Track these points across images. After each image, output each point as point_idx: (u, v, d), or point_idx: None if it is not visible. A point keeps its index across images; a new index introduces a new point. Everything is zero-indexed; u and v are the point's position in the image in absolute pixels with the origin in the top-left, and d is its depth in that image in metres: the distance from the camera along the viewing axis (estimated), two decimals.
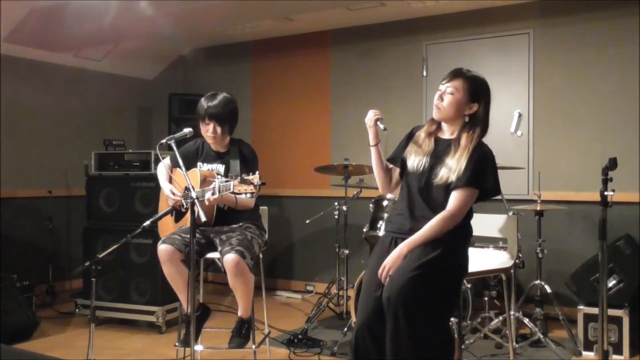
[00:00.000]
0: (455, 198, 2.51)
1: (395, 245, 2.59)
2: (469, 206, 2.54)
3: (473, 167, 2.50)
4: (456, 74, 2.59)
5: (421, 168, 2.58)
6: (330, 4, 4.90)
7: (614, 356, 3.73)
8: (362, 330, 2.51)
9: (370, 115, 2.66)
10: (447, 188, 2.52)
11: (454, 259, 2.55)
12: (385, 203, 4.13)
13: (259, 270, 3.34)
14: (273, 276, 6.04)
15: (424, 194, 2.57)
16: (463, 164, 2.49)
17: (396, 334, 2.40)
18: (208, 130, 3.23)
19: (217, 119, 3.20)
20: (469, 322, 4.04)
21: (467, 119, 2.57)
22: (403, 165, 2.68)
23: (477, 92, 2.56)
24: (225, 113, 3.22)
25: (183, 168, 2.86)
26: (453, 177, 2.49)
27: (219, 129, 3.22)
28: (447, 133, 2.65)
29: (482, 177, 2.53)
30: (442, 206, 2.53)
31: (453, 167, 2.50)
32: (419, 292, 2.41)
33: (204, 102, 3.23)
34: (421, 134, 2.67)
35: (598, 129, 4.68)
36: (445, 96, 2.57)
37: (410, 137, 2.73)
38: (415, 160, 2.60)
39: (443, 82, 2.61)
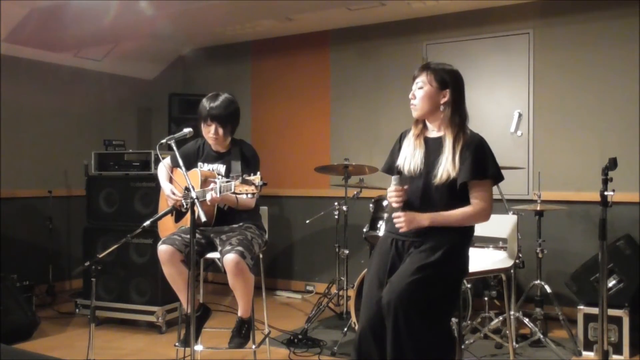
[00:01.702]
0: (476, 196, 2.52)
1: (396, 245, 2.59)
2: (491, 195, 2.57)
3: (478, 159, 2.51)
4: (421, 69, 2.64)
5: (417, 170, 2.58)
6: (330, 4, 4.89)
7: (614, 356, 3.74)
8: (365, 333, 2.51)
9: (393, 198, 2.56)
10: (449, 187, 2.52)
11: (455, 262, 2.55)
12: (385, 203, 4.13)
13: (259, 270, 3.34)
14: (273, 276, 6.03)
15: (423, 196, 2.56)
16: (457, 159, 2.50)
17: (397, 338, 2.40)
18: (210, 131, 3.23)
19: (219, 120, 3.20)
20: (469, 322, 4.03)
21: (442, 108, 2.59)
22: (399, 171, 2.67)
23: (444, 79, 2.59)
24: (227, 114, 3.22)
25: (183, 168, 2.86)
26: (453, 174, 2.49)
27: (220, 130, 3.22)
28: (433, 131, 2.66)
29: (485, 165, 2.54)
30: (444, 206, 2.52)
31: (450, 164, 2.50)
32: (419, 296, 2.41)
33: (205, 103, 3.23)
34: (410, 137, 2.68)
35: (598, 129, 4.68)
36: (416, 92, 2.62)
37: (400, 142, 2.74)
38: (410, 164, 2.60)
39: (413, 81, 2.65)
